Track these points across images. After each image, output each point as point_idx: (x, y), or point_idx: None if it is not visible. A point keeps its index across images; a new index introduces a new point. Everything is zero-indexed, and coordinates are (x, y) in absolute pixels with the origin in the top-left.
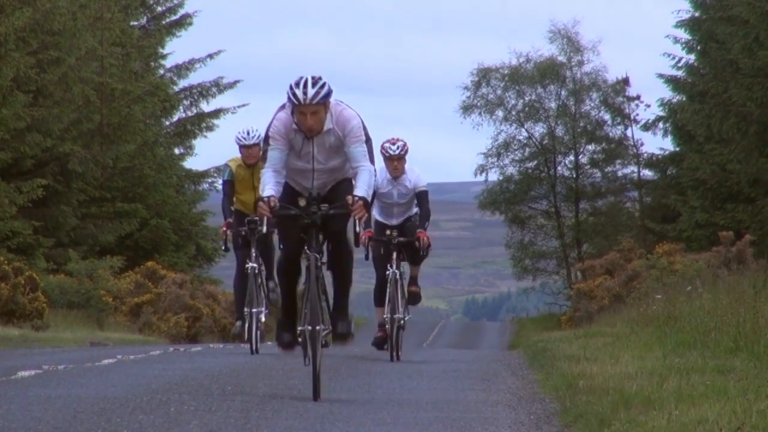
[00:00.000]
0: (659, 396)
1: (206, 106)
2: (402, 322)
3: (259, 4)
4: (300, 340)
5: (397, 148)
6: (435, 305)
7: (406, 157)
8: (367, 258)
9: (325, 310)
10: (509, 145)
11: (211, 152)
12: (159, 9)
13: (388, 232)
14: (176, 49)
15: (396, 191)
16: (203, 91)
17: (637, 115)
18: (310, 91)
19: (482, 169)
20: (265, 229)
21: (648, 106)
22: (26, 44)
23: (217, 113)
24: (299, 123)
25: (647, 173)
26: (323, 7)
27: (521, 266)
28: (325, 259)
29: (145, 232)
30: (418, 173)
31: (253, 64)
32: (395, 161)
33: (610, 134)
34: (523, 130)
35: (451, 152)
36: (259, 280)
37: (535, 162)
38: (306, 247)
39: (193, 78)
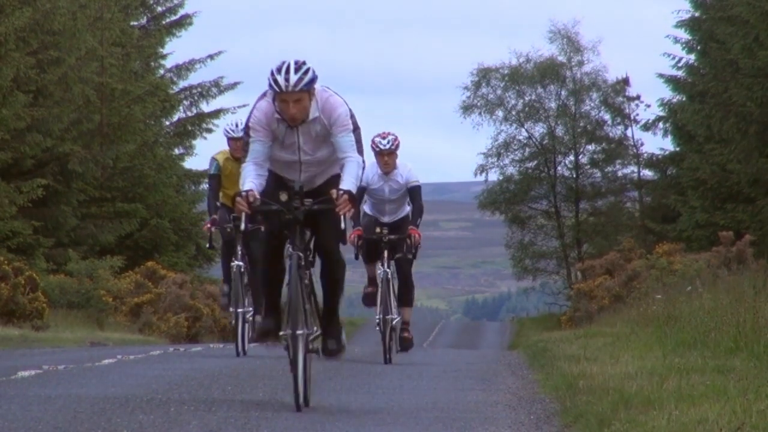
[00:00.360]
0: (659, 396)
1: (206, 107)
2: (395, 323)
3: (259, 4)
4: (284, 344)
5: (388, 142)
6: (435, 305)
7: (398, 152)
8: (357, 257)
9: (310, 312)
10: (509, 145)
11: (211, 152)
12: (159, 9)
13: (378, 230)
14: (176, 49)
15: (387, 187)
16: (203, 92)
17: (637, 115)
18: (293, 78)
19: (482, 169)
20: (244, 226)
21: (648, 106)
22: (26, 44)
23: (217, 113)
24: (281, 112)
25: (647, 173)
26: (323, 8)
27: (521, 266)
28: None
29: (145, 232)
30: (410, 168)
31: (253, 65)
32: (386, 156)
33: (610, 134)
34: (523, 130)
35: (451, 152)
36: (246, 279)
37: (535, 162)
38: (288, 245)
39: (193, 78)
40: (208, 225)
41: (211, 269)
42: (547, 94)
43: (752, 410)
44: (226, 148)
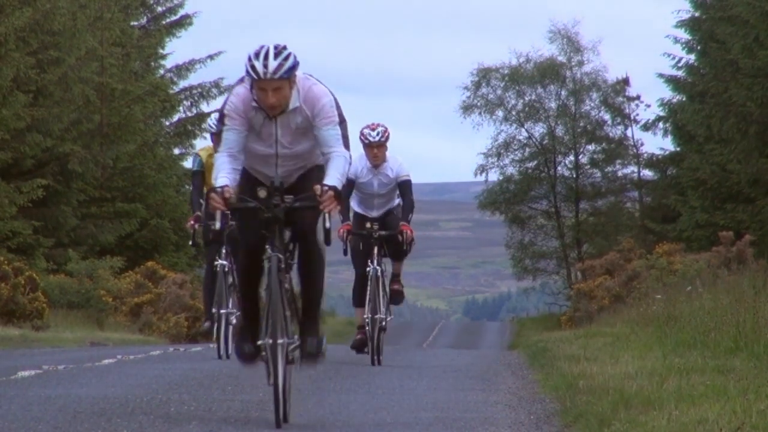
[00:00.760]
0: (659, 396)
1: (206, 107)
2: (384, 323)
3: (259, 4)
4: (263, 354)
5: (378, 134)
6: (435, 305)
7: (388, 144)
8: (345, 253)
9: (290, 320)
10: (509, 145)
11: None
12: (159, 9)
13: (368, 225)
14: (176, 50)
15: (376, 181)
16: (203, 92)
17: (637, 115)
18: (272, 64)
19: (482, 169)
20: (218, 225)
21: (648, 106)
22: (26, 44)
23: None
24: (260, 100)
25: (647, 173)
26: (323, 8)
27: (521, 266)
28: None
29: (145, 232)
30: (401, 161)
31: None
32: (375, 149)
33: (610, 134)
34: (523, 130)
35: (451, 152)
36: (230, 279)
37: (535, 162)
38: (268, 246)
39: (193, 78)
40: (191, 222)
41: None
42: (547, 94)
43: (752, 410)
44: (210, 144)
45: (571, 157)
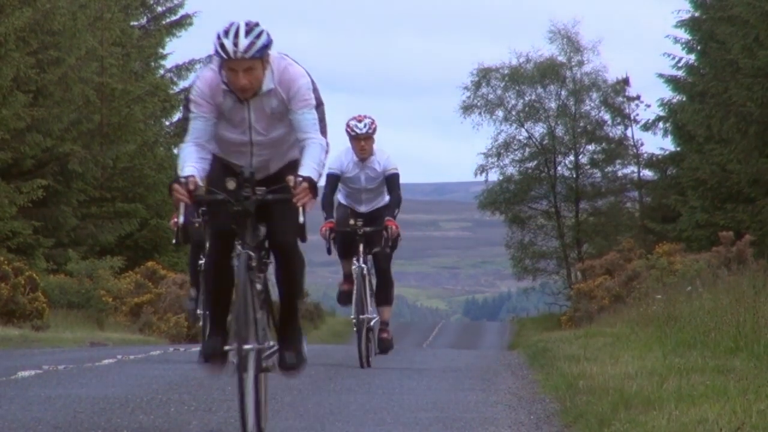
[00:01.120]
0: (659, 396)
1: None
2: (372, 323)
3: (259, 4)
4: (231, 362)
5: (365, 126)
6: (435, 305)
7: (375, 137)
8: (329, 252)
9: (264, 324)
10: (509, 145)
11: None
12: (159, 9)
13: (352, 221)
14: (176, 50)
15: (363, 175)
16: None
17: (637, 115)
18: (243, 42)
19: (482, 169)
20: (182, 219)
21: (648, 106)
22: (26, 44)
23: None
24: (230, 82)
25: (647, 173)
26: (323, 8)
27: (521, 266)
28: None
29: (145, 232)
30: (389, 155)
31: None
32: (362, 141)
33: (610, 134)
34: (523, 130)
35: (451, 153)
36: None
37: (535, 162)
38: (238, 242)
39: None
40: (175, 220)
41: None
42: (547, 94)
43: (752, 410)
44: None
45: (571, 157)
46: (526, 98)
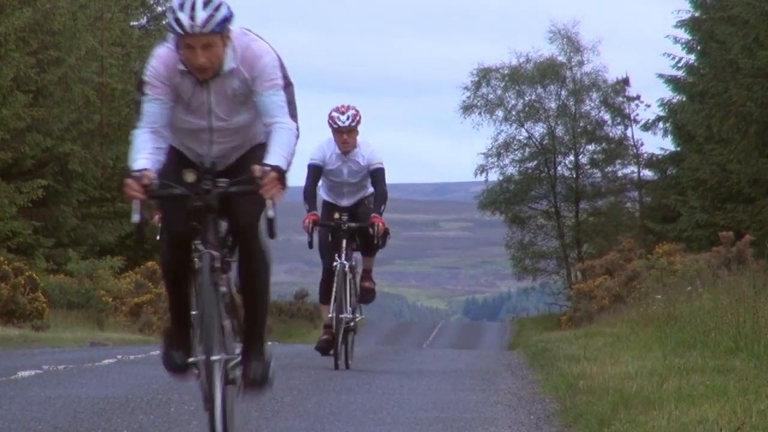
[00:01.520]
0: (659, 396)
1: None
2: (352, 323)
3: (259, 4)
4: (196, 372)
5: (348, 117)
6: (435, 305)
7: (359, 129)
8: (310, 246)
9: (230, 331)
10: (509, 145)
11: None
12: (159, 9)
13: (336, 215)
14: None
15: (346, 168)
16: None
17: (637, 115)
18: (200, 14)
19: (482, 169)
20: (137, 217)
21: (648, 106)
22: (26, 44)
23: None
24: (187, 61)
25: (647, 173)
26: (323, 8)
27: (521, 266)
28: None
29: (145, 232)
30: (373, 148)
31: None
32: (345, 134)
33: (610, 134)
34: (523, 130)
35: (451, 153)
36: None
37: (535, 162)
38: (199, 242)
39: None
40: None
41: None
42: (547, 94)
43: (752, 410)
44: None
45: (571, 157)
46: (526, 98)
